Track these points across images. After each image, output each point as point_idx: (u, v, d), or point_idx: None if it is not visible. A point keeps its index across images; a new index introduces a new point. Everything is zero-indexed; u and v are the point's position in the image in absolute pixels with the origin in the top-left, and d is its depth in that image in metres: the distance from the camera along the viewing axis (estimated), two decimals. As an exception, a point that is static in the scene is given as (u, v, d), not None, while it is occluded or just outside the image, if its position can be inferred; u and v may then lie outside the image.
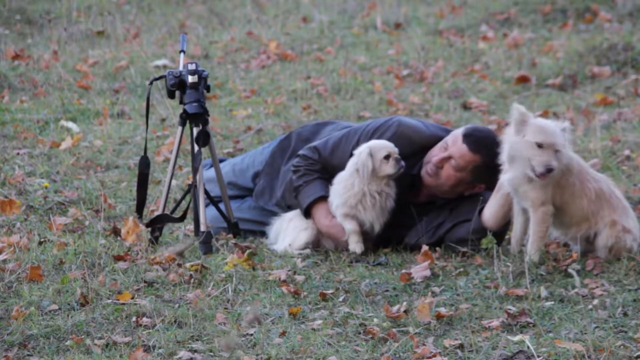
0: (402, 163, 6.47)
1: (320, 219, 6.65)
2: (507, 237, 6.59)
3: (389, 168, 6.47)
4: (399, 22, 13.81)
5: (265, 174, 7.04)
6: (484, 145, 6.47)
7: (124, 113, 10.02)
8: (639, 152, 8.47)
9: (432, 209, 6.68)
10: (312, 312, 5.62)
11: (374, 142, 6.52)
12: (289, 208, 6.82)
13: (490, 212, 6.45)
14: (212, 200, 6.81)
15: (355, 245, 6.52)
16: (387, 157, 6.45)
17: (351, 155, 6.61)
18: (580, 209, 6.19)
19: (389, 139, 6.60)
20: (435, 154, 6.59)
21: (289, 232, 6.68)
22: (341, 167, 6.63)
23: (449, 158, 6.52)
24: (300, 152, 6.78)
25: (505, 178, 6.25)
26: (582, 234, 6.26)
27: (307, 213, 6.68)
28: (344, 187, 6.54)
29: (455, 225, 6.57)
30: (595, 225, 6.21)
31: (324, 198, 6.64)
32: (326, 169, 6.70)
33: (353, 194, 6.51)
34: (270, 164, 7.04)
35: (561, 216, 6.24)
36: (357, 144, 6.67)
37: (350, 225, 6.53)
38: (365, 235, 6.58)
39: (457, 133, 6.58)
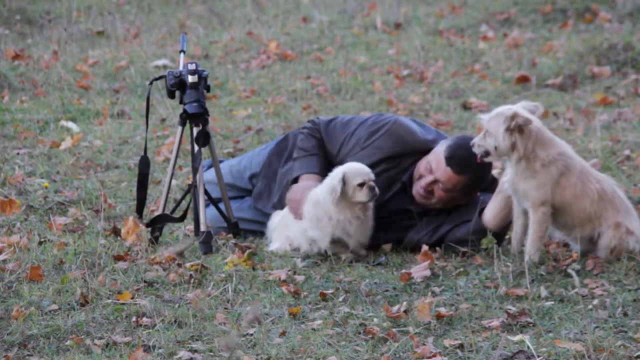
0: (376, 191, 6.38)
1: (296, 189, 6.61)
2: (507, 237, 6.59)
3: (362, 196, 6.38)
4: (399, 22, 13.81)
5: (263, 176, 7.04)
6: (468, 165, 6.42)
7: (124, 113, 10.03)
8: (639, 152, 8.47)
9: (428, 216, 6.67)
10: (312, 312, 5.62)
11: (349, 167, 6.44)
12: None
13: (490, 214, 6.45)
14: (212, 200, 6.81)
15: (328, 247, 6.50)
16: (361, 184, 6.38)
17: (343, 142, 6.65)
18: (582, 210, 6.18)
19: (382, 135, 6.61)
20: (423, 173, 6.54)
21: (275, 237, 6.67)
22: (330, 150, 6.70)
23: (435, 181, 6.50)
24: (306, 124, 6.86)
25: (505, 179, 6.25)
26: (585, 235, 6.25)
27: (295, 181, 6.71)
28: (323, 206, 6.45)
29: (455, 227, 6.57)
30: (599, 226, 6.20)
31: (313, 175, 6.65)
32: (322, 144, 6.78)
33: (330, 221, 6.44)
34: (267, 165, 7.04)
35: (564, 217, 6.23)
36: (353, 133, 6.70)
37: (326, 242, 6.49)
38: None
39: (440, 154, 6.49)
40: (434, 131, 6.81)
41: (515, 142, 6.08)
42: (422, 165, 6.58)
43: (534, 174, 6.12)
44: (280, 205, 6.83)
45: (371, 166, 6.50)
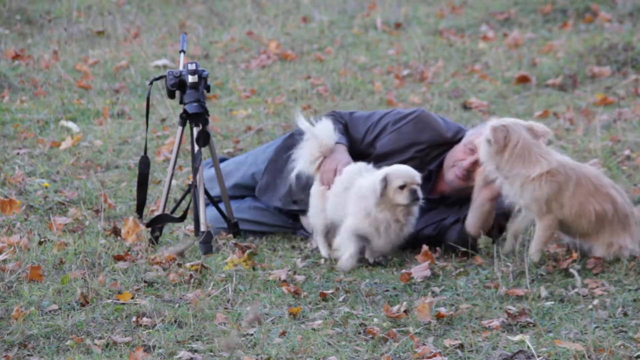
0: (419, 194, 6.23)
1: (332, 160, 6.53)
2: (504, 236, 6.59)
3: (403, 198, 6.22)
4: (399, 22, 13.81)
5: (268, 171, 7.05)
6: None
7: (124, 113, 10.03)
8: (639, 152, 8.47)
9: (441, 207, 6.68)
10: (312, 312, 5.62)
11: (393, 168, 6.31)
12: (295, 203, 6.83)
13: (471, 222, 6.45)
14: (212, 200, 6.81)
15: (345, 262, 6.32)
16: (402, 186, 6.23)
17: (368, 130, 6.68)
18: (581, 228, 6.16)
19: (409, 121, 6.66)
20: (462, 157, 6.57)
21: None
22: (355, 136, 6.71)
23: (478, 162, 6.50)
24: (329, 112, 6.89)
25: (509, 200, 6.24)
26: (583, 243, 6.27)
27: None
28: (359, 208, 6.30)
29: (458, 221, 6.55)
30: (595, 241, 6.18)
31: (344, 147, 6.63)
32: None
33: (368, 218, 6.29)
34: (273, 161, 7.04)
35: (567, 229, 6.24)
36: (378, 121, 6.74)
37: (352, 246, 6.32)
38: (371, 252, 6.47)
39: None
40: (456, 125, 6.86)
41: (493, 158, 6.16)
42: (459, 150, 6.61)
43: (522, 190, 6.11)
44: (289, 196, 6.82)
45: (399, 151, 6.51)
